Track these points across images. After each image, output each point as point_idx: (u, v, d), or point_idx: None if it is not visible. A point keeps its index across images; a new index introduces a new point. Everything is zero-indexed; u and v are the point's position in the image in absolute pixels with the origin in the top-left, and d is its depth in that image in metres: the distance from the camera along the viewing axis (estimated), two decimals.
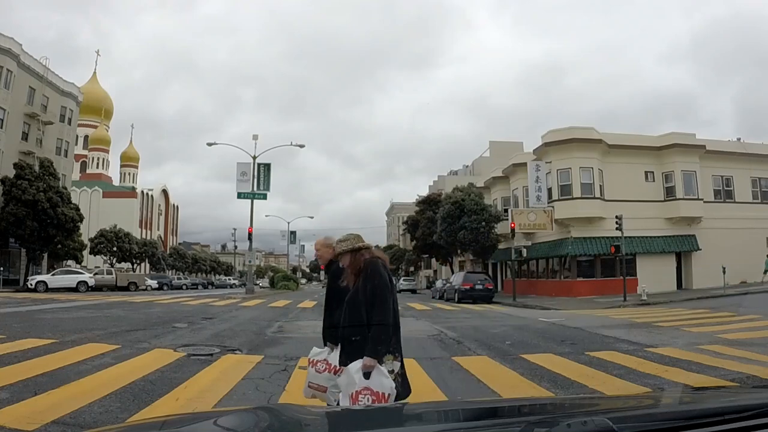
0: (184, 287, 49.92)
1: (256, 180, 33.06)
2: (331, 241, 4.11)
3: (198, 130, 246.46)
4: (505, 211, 34.34)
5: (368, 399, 3.09)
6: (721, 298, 20.60)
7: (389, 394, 3.13)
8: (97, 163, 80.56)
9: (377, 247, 4.00)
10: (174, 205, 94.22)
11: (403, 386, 3.38)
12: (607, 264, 28.12)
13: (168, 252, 75.78)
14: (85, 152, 77.89)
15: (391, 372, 3.28)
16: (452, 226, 34.91)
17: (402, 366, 3.45)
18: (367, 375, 3.17)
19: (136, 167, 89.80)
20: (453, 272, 39.60)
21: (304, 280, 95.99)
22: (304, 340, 10.22)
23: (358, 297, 3.42)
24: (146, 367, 6.60)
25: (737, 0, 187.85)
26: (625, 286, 22.67)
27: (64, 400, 4.87)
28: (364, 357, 3.22)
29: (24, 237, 34.45)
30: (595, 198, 28.45)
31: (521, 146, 45.25)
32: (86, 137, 76.87)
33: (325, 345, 4.06)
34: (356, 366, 3.23)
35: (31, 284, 31.45)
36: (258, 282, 59.15)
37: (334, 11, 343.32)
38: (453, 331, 11.83)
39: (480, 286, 26.69)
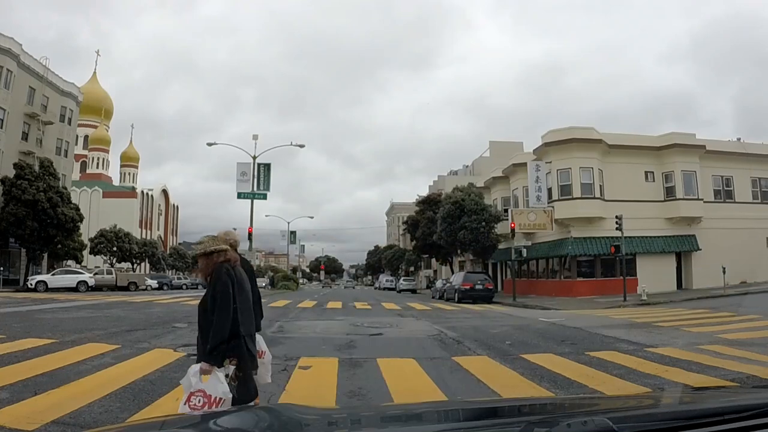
0: (184, 287, 49.88)
1: (256, 180, 33.08)
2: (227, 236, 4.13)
3: (198, 130, 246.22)
4: (505, 211, 34.34)
5: (200, 400, 3.17)
6: (721, 298, 20.62)
7: (222, 399, 3.19)
8: (97, 163, 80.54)
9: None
10: (174, 205, 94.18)
11: (240, 391, 3.40)
12: (607, 264, 28.12)
13: (168, 252, 75.79)
14: (85, 152, 77.87)
15: (226, 376, 3.35)
16: (452, 226, 34.92)
17: (242, 369, 3.48)
18: (205, 378, 3.26)
19: (136, 167, 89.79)
20: (453, 272, 39.61)
21: (304, 280, 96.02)
22: (304, 340, 10.23)
23: (205, 301, 3.50)
24: (146, 367, 6.61)
25: (737, 0, 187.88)
26: (625, 286, 22.67)
27: (64, 400, 4.87)
28: (201, 361, 3.33)
29: (24, 237, 34.46)
30: (595, 198, 28.45)
31: (521, 146, 45.27)
32: (86, 137, 76.85)
33: None
34: (194, 369, 3.31)
35: (31, 284, 31.46)
36: (265, 285, 59.20)
37: (333, 11, 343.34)
38: (453, 331, 11.83)
39: (480, 286, 26.69)
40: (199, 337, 3.53)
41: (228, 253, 3.58)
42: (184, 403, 3.23)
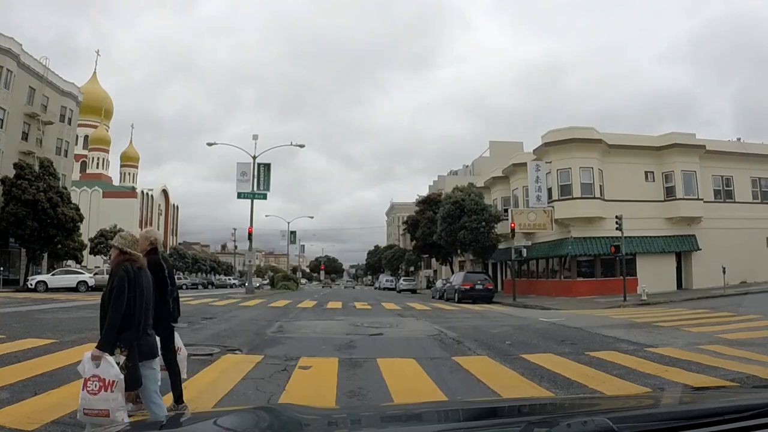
0: (184, 287, 49.84)
1: (256, 180, 33.11)
2: (148, 234, 4.53)
3: (198, 130, 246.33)
4: (505, 211, 34.33)
5: (96, 385, 3.46)
6: (721, 298, 20.61)
7: (115, 381, 3.48)
8: (97, 163, 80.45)
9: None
10: (174, 205, 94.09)
11: (127, 379, 3.60)
12: (607, 264, 28.11)
13: (168, 252, 75.78)
14: (85, 152, 77.78)
15: (117, 364, 3.58)
16: (452, 226, 34.91)
17: (131, 360, 3.68)
18: (97, 364, 3.53)
19: (136, 167, 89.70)
20: (453, 272, 39.60)
21: (304, 280, 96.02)
22: (304, 340, 10.24)
23: (105, 294, 3.79)
24: None
25: (737, 0, 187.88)
26: (625, 286, 22.66)
27: (64, 400, 4.87)
28: (94, 348, 3.61)
29: (24, 237, 34.43)
30: (595, 198, 28.44)
31: (521, 146, 45.24)
32: (86, 137, 76.77)
33: None
34: (87, 356, 3.61)
35: (31, 284, 31.42)
36: (259, 285, 59.12)
37: (333, 11, 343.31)
38: (453, 331, 11.83)
39: (480, 286, 26.68)
40: (100, 326, 3.84)
41: (136, 257, 3.89)
42: (83, 389, 3.49)
